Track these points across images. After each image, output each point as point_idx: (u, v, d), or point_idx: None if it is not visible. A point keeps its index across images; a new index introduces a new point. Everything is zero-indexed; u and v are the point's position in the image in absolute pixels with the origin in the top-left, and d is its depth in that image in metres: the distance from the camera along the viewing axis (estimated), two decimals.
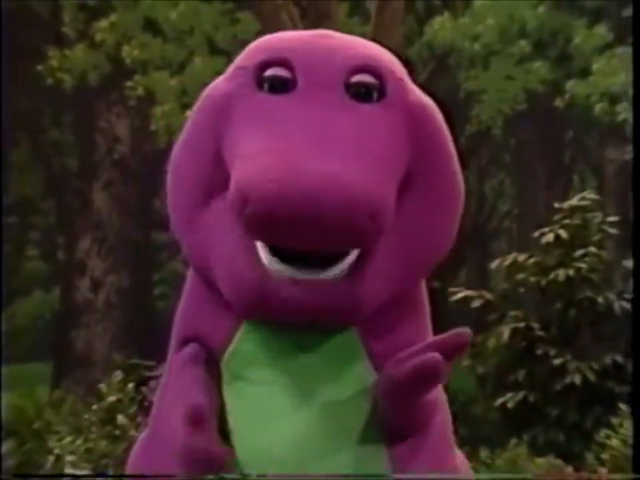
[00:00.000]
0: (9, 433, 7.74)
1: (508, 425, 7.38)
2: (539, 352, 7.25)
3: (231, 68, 2.13)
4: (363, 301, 1.97)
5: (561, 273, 7.32)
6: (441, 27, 11.04)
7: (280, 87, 1.99)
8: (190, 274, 2.21)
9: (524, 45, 11.09)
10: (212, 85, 2.13)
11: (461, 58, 12.10)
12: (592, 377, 7.00)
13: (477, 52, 11.26)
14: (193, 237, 2.07)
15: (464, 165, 2.13)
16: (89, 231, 14.11)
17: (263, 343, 2.03)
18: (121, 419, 6.21)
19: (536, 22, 11.17)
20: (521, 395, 7.20)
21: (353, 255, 1.93)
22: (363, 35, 2.20)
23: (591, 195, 7.86)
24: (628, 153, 9.94)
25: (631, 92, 8.81)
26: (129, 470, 2.21)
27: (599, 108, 10.52)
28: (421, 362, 1.87)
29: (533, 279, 7.55)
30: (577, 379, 6.98)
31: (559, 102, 11.36)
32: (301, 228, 1.81)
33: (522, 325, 7.38)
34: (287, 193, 1.78)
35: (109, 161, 14.22)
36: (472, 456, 6.03)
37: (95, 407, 6.56)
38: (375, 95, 2.00)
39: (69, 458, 6.13)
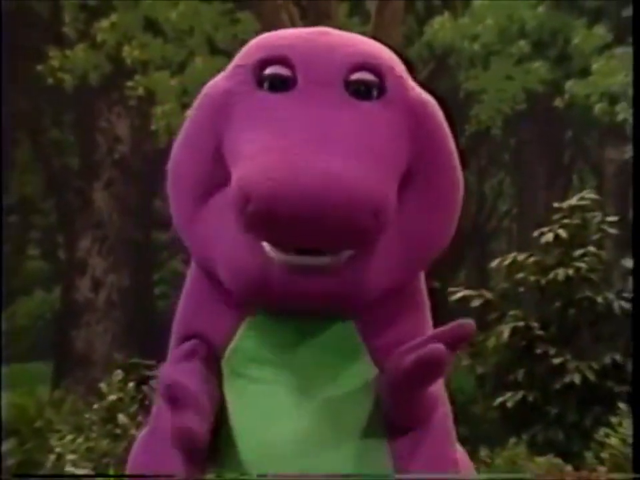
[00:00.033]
0: (10, 432, 7.75)
1: (507, 424, 7.39)
2: (539, 351, 7.25)
3: (230, 66, 2.12)
4: (364, 288, 1.97)
5: (561, 273, 7.32)
6: (440, 27, 11.07)
7: (280, 85, 1.99)
8: (190, 272, 2.20)
9: (523, 45, 11.11)
10: (211, 82, 2.13)
11: (460, 58, 12.12)
12: (591, 376, 7.01)
13: (477, 52, 11.29)
14: (194, 232, 2.07)
15: (464, 165, 2.13)
16: (89, 231, 14.13)
17: (264, 340, 2.04)
18: (121, 417, 6.23)
19: (535, 22, 11.20)
20: (520, 394, 7.21)
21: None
22: (363, 35, 2.20)
23: (590, 194, 7.86)
24: (627, 153, 9.97)
25: (630, 92, 8.83)
26: (129, 468, 2.20)
27: (598, 108, 10.54)
28: (425, 352, 1.86)
29: (532, 278, 7.55)
30: (577, 378, 6.99)
31: (558, 102, 11.38)
32: (303, 227, 1.81)
33: (521, 324, 7.39)
34: (288, 192, 1.78)
35: (110, 160, 14.24)
36: (471, 455, 6.02)
37: (95, 406, 6.58)
38: (375, 93, 2.00)
39: (70, 457, 6.14)
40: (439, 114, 2.10)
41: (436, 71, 13.18)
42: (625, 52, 9.87)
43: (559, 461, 6.24)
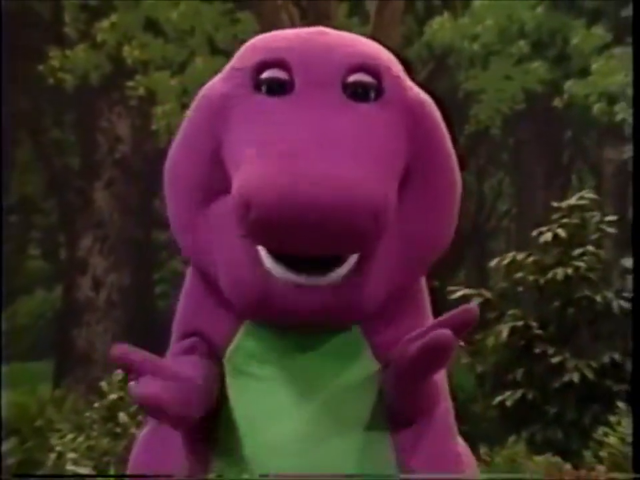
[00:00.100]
0: (10, 431, 7.75)
1: (506, 423, 7.40)
2: (538, 350, 7.26)
3: (227, 67, 2.11)
4: (364, 303, 1.97)
5: (560, 272, 7.33)
6: (440, 27, 11.08)
7: (277, 88, 1.98)
8: (189, 272, 2.20)
9: (523, 45, 11.12)
10: (208, 84, 2.12)
11: (460, 58, 12.14)
12: (590, 375, 7.01)
13: (476, 52, 11.30)
14: (192, 237, 2.06)
15: (463, 165, 2.13)
16: (90, 230, 14.15)
17: (265, 338, 2.04)
18: (122, 416, 6.24)
19: (535, 22, 11.21)
20: (519, 393, 7.21)
21: (354, 257, 1.93)
22: (362, 36, 2.20)
23: (589, 194, 7.86)
24: (626, 153, 9.98)
25: (629, 92, 8.84)
26: (130, 467, 2.21)
27: (597, 108, 10.56)
28: (431, 338, 1.85)
29: (531, 277, 7.56)
30: (575, 377, 6.99)
31: (557, 102, 11.40)
32: (305, 233, 1.80)
33: (521, 323, 7.39)
34: (288, 198, 1.77)
35: (110, 160, 14.26)
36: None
37: (96, 404, 6.59)
38: (373, 94, 2.00)
39: (71, 455, 6.16)
40: (436, 114, 2.10)
41: (435, 71, 13.21)
42: (624, 52, 9.89)
43: (557, 459, 6.23)
